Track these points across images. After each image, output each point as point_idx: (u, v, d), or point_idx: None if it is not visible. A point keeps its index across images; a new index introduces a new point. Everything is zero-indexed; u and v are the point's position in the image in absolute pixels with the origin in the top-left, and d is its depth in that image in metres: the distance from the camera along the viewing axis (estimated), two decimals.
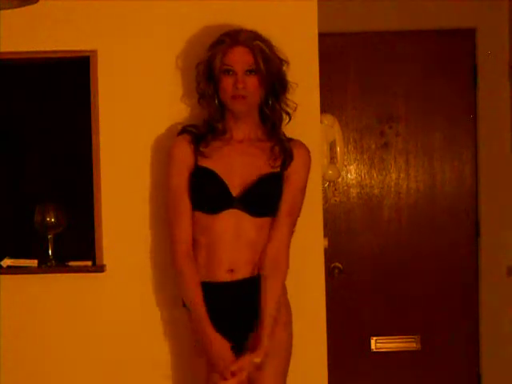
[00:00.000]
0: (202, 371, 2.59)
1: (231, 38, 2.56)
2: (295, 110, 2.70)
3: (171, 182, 2.62)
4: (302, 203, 2.64)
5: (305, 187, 2.64)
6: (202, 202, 2.56)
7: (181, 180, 2.59)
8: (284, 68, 2.64)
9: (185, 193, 2.58)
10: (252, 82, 2.55)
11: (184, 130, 2.65)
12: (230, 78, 2.55)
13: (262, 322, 2.56)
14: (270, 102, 2.63)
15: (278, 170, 2.60)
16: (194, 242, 2.60)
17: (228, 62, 2.55)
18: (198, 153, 2.59)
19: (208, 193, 2.55)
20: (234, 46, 2.55)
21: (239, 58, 2.55)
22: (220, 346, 2.52)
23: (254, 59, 2.55)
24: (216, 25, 2.79)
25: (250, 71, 2.55)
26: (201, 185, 2.56)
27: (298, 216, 2.64)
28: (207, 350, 2.53)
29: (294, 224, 2.63)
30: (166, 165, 2.66)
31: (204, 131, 2.62)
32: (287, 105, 2.67)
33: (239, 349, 2.58)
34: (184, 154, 2.60)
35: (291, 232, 2.63)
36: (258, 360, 2.52)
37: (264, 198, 2.57)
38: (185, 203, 2.58)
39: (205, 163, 2.58)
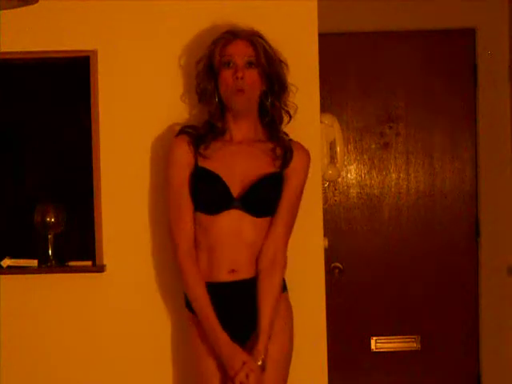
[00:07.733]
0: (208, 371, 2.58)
1: (232, 33, 2.57)
2: (296, 111, 2.70)
3: (172, 182, 2.60)
4: (298, 204, 2.63)
5: (302, 190, 2.63)
6: (203, 203, 2.55)
7: (182, 180, 2.57)
8: (284, 70, 2.63)
9: (186, 192, 2.57)
10: (251, 75, 2.54)
11: (182, 131, 2.63)
12: (229, 71, 2.54)
13: (260, 323, 2.53)
14: (270, 100, 2.61)
15: (279, 170, 2.59)
16: (196, 243, 2.58)
17: (228, 53, 2.54)
18: (197, 154, 2.58)
19: (209, 193, 2.54)
20: (234, 39, 2.56)
21: (239, 50, 2.54)
22: (230, 350, 2.49)
23: (254, 51, 2.54)
24: (216, 25, 2.79)
25: (249, 63, 2.54)
26: (201, 185, 2.55)
27: (295, 217, 2.63)
28: (217, 352, 2.51)
29: (291, 225, 2.63)
30: (165, 165, 2.65)
31: (203, 132, 2.61)
32: (287, 105, 2.67)
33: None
34: (184, 154, 2.58)
35: (289, 232, 2.62)
36: (259, 363, 2.50)
37: (264, 198, 2.56)
38: (186, 202, 2.57)
39: (205, 164, 2.57)
